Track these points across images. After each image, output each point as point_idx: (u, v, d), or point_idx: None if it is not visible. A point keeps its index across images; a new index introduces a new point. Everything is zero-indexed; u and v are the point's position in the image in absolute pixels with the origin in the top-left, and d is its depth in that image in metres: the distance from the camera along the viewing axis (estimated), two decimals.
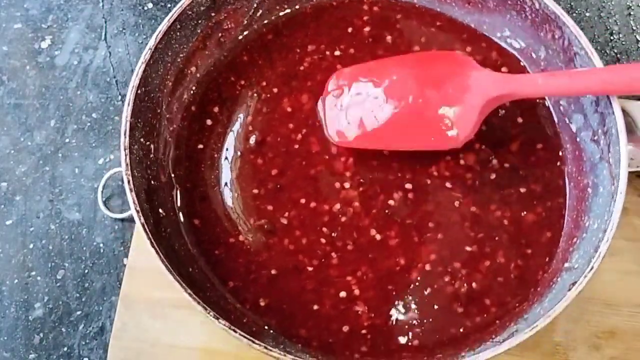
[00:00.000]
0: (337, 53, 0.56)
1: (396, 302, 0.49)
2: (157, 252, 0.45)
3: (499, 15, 0.55)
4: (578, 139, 0.52)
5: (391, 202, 0.52)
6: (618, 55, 0.66)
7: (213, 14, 0.54)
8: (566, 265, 0.49)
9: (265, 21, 0.57)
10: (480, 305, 0.49)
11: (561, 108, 0.54)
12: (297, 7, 0.58)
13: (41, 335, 0.56)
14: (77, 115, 0.64)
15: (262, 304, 0.50)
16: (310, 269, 0.50)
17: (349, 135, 0.52)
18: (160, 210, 0.50)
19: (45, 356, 0.56)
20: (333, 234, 0.51)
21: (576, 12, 0.68)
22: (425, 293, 0.50)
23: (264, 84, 0.56)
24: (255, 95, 0.55)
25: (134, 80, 0.49)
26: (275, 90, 0.55)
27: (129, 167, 0.47)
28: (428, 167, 0.53)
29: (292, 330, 0.49)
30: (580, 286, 0.44)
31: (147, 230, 0.46)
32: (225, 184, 0.53)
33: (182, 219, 0.52)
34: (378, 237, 0.51)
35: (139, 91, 0.50)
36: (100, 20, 0.68)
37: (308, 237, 0.51)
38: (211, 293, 0.49)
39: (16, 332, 0.56)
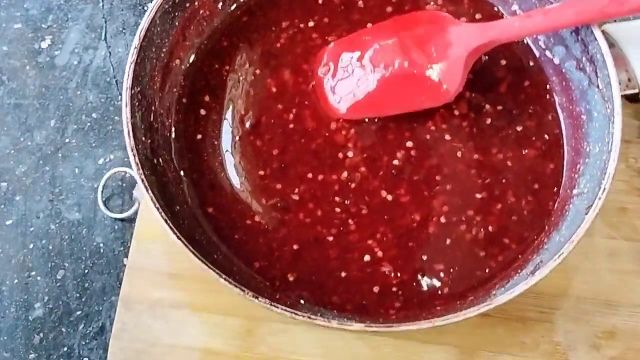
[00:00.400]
0: (311, 24, 0.57)
1: (420, 257, 0.51)
2: (185, 244, 0.45)
3: None
4: (563, 70, 0.54)
5: (396, 162, 0.53)
6: None
7: (187, 5, 0.55)
8: (575, 191, 0.51)
9: (237, 5, 0.58)
10: (501, 245, 0.51)
11: (541, 43, 0.55)
12: None
13: (41, 335, 0.56)
14: (77, 115, 0.64)
15: (290, 279, 0.51)
16: (330, 238, 0.51)
17: (343, 107, 0.54)
18: (174, 204, 0.51)
19: (45, 356, 0.56)
20: (346, 202, 0.52)
21: None
22: (446, 243, 0.51)
23: (247, 66, 0.56)
24: (241, 78, 0.56)
25: (126, 82, 0.50)
26: (257, 71, 0.56)
27: (140, 168, 0.48)
28: (425, 123, 0.54)
29: (324, 299, 0.50)
30: (596, 209, 0.46)
31: (171, 225, 0.46)
32: (231, 169, 0.54)
33: (196, 209, 0.52)
34: (389, 197, 0.52)
35: (132, 91, 0.50)
36: (100, 20, 0.68)
37: (322, 208, 0.52)
38: (239, 276, 0.49)
39: (16, 332, 0.56)
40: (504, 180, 0.53)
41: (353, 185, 0.53)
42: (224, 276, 0.45)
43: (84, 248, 0.59)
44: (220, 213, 0.52)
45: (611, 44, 0.51)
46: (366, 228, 0.52)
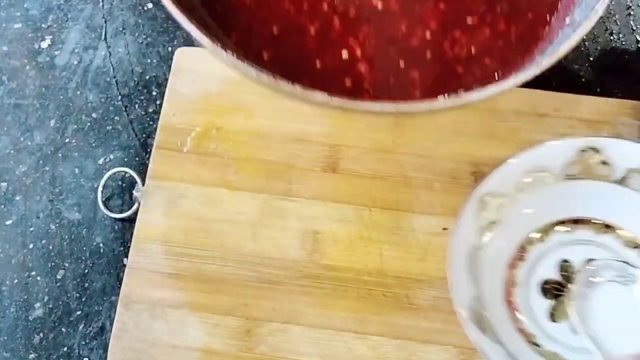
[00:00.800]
0: None
1: (398, 63, 0.49)
2: None
3: None
4: None
5: None
6: (618, 55, 0.66)
7: None
8: (567, 20, 0.49)
9: None
10: (481, 64, 0.50)
11: None
12: None
13: (41, 335, 0.56)
14: (77, 115, 0.64)
15: (265, 56, 0.49)
16: (312, 30, 0.50)
17: None
18: None
19: (45, 356, 0.56)
20: (335, 1, 0.51)
21: None
22: (427, 57, 0.50)
23: None
24: None
25: None
26: None
27: None
28: None
29: (296, 82, 0.48)
30: (584, 30, 0.44)
31: None
32: None
33: None
34: (380, 5, 0.51)
35: None
36: (100, 20, 0.68)
37: (309, 2, 0.51)
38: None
39: (16, 332, 0.56)
40: (498, 9, 0.51)
41: None
42: (203, 30, 0.43)
43: (84, 248, 0.59)
44: None
45: None
46: (350, 28, 0.50)
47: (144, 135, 0.63)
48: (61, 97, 0.64)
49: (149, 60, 0.66)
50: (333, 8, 0.51)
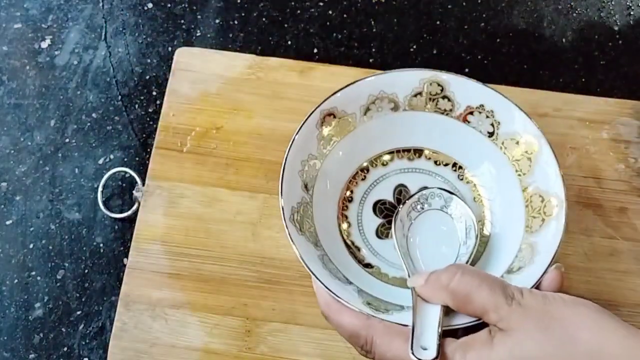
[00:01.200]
0: None
1: None
2: None
3: None
4: None
5: None
6: (618, 55, 0.66)
7: None
8: None
9: None
10: None
11: None
12: None
13: (41, 335, 0.56)
14: (77, 115, 0.64)
15: None
16: None
17: None
18: None
19: (45, 356, 0.56)
20: None
21: (576, 12, 0.68)
22: None
23: None
24: None
25: None
26: None
27: None
28: None
29: None
30: None
31: None
32: None
33: None
34: None
35: None
36: (100, 20, 0.68)
37: None
38: None
39: (16, 332, 0.56)
40: None
41: None
42: None
43: (84, 248, 0.59)
44: None
45: None
46: None
47: (144, 135, 0.63)
48: (61, 97, 0.64)
49: (149, 60, 0.66)
50: None
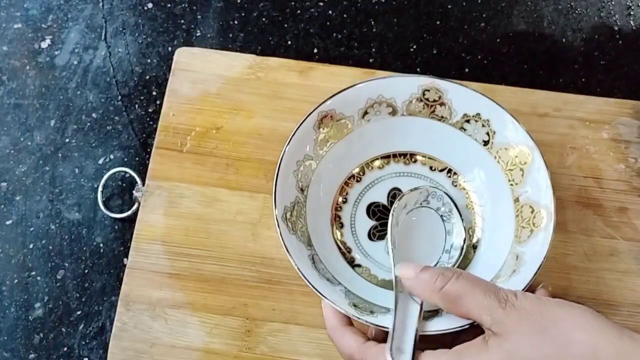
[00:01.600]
0: None
1: None
2: None
3: None
4: None
5: None
6: (618, 55, 0.66)
7: None
8: None
9: None
10: None
11: None
12: None
13: (41, 335, 0.56)
14: (77, 115, 0.64)
15: None
16: None
17: None
18: None
19: (45, 356, 0.56)
20: None
21: (576, 12, 0.68)
22: None
23: None
24: None
25: None
26: None
27: None
28: None
29: None
30: None
31: None
32: None
33: None
34: None
35: None
36: (100, 20, 0.68)
37: None
38: None
39: (16, 332, 0.56)
40: None
41: None
42: None
43: (84, 248, 0.59)
44: None
45: None
46: None
47: (144, 135, 0.63)
48: (61, 97, 0.64)
49: (149, 60, 0.66)
50: None
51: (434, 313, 0.51)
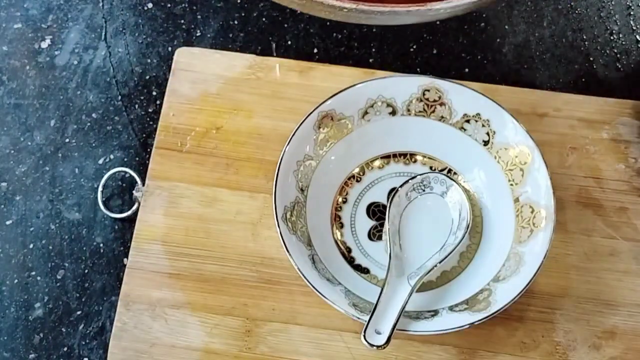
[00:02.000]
0: None
1: None
2: None
3: None
4: None
5: None
6: (618, 55, 0.66)
7: None
8: None
9: None
10: None
11: None
12: None
13: (41, 335, 0.56)
14: (77, 115, 0.64)
15: None
16: None
17: None
18: None
19: (45, 356, 0.56)
20: None
21: (576, 12, 0.68)
22: None
23: None
24: None
25: None
26: None
27: None
28: None
29: None
30: None
31: None
32: None
33: None
34: None
35: None
36: (100, 20, 0.68)
37: None
38: None
39: (16, 332, 0.56)
40: None
41: None
42: None
43: (84, 248, 0.59)
44: None
45: None
46: None
47: (144, 135, 0.63)
48: (61, 97, 0.64)
49: (149, 60, 0.66)
50: None
51: (434, 313, 0.51)
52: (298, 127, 0.54)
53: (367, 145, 0.57)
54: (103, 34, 0.67)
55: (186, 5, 0.68)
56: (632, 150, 0.58)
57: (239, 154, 0.58)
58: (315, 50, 0.66)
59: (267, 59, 0.62)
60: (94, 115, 0.64)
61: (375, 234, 0.55)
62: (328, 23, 0.67)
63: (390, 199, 0.54)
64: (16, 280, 0.58)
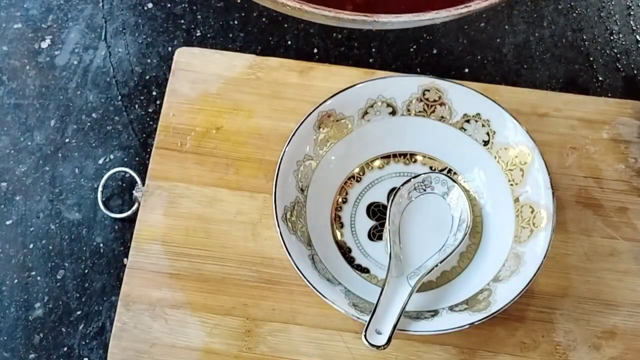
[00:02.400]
0: None
1: None
2: None
3: None
4: None
5: None
6: (618, 55, 0.66)
7: None
8: None
9: None
10: None
11: None
12: None
13: (41, 335, 0.56)
14: (77, 115, 0.64)
15: None
16: None
17: None
18: None
19: (45, 356, 0.56)
20: None
21: (576, 12, 0.68)
22: None
23: None
24: None
25: None
26: None
27: None
28: None
29: None
30: None
31: None
32: None
33: None
34: None
35: None
36: (100, 20, 0.68)
37: None
38: None
39: (16, 332, 0.56)
40: None
41: None
42: None
43: (84, 248, 0.59)
44: None
45: None
46: None
47: (144, 135, 0.63)
48: (61, 97, 0.64)
49: (149, 60, 0.66)
50: None
51: (434, 313, 0.51)
52: (298, 127, 0.54)
53: (367, 145, 0.57)
54: (103, 34, 0.67)
55: (186, 5, 0.68)
56: (632, 150, 0.58)
57: (239, 154, 0.58)
58: (315, 50, 0.66)
59: (267, 59, 0.62)
60: (94, 115, 0.64)
61: (375, 234, 0.55)
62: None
63: (391, 198, 0.54)
64: (16, 280, 0.58)
